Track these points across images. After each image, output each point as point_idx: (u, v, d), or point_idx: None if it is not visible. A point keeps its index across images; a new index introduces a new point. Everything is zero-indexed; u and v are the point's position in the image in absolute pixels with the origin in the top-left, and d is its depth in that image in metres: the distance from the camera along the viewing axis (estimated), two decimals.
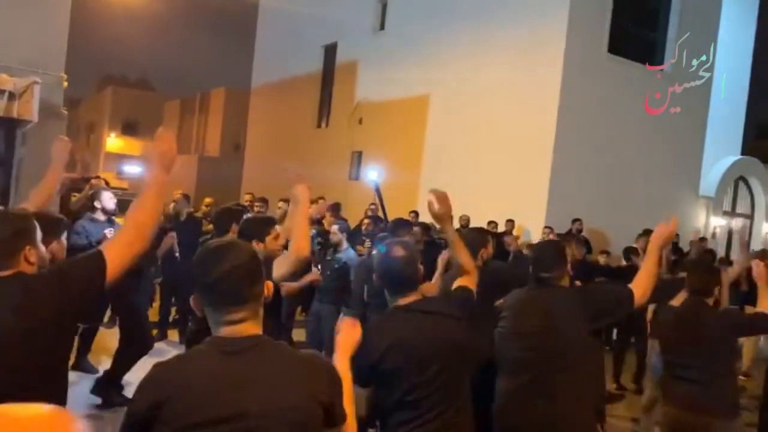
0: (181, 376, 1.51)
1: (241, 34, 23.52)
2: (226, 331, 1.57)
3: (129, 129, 44.30)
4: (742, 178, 14.19)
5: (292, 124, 18.93)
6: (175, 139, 2.26)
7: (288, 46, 19.41)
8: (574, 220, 10.51)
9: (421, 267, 2.35)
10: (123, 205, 4.39)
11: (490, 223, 10.27)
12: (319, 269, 5.88)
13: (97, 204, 5.33)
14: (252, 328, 1.60)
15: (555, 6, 10.93)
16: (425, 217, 9.32)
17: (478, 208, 10.54)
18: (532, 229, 10.96)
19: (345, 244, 6.03)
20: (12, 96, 3.91)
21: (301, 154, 17.88)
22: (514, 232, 10.66)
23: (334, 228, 6.21)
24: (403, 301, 2.29)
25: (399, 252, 2.30)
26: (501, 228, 10.56)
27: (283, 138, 19.29)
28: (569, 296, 2.97)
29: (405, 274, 2.30)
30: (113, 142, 44.24)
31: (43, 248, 2.16)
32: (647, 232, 10.43)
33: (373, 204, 10.40)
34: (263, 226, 3.15)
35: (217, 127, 28.24)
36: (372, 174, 10.25)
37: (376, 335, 2.18)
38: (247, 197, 8.50)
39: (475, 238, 3.69)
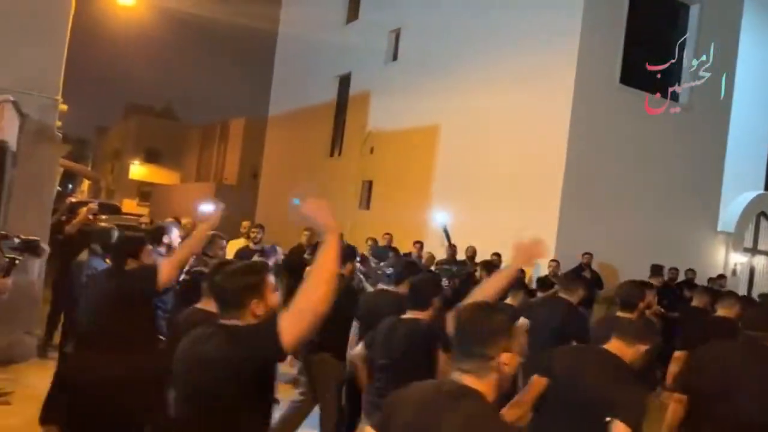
0: None
1: (262, 63, 23.89)
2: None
3: (152, 156, 45.10)
4: (764, 214, 13.69)
5: (306, 152, 18.99)
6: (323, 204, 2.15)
7: (304, 76, 19.62)
8: (584, 254, 10.18)
9: None
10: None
11: (494, 254, 9.98)
12: None
13: (165, 239, 5.24)
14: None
15: (565, 36, 10.81)
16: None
17: (485, 239, 10.28)
18: (540, 261, 10.63)
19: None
20: None
21: (314, 183, 17.88)
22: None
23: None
24: None
25: None
26: (505, 260, 10.25)
27: (297, 166, 19.34)
28: None
29: None
30: (137, 169, 44.97)
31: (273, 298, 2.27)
32: (656, 269, 10.06)
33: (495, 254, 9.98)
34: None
35: (236, 155, 28.54)
36: (440, 216, 10.26)
37: None
38: (245, 224, 8.39)
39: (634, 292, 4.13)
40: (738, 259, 12.95)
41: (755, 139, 13.76)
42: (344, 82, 17.78)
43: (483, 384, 1.70)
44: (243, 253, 7.09)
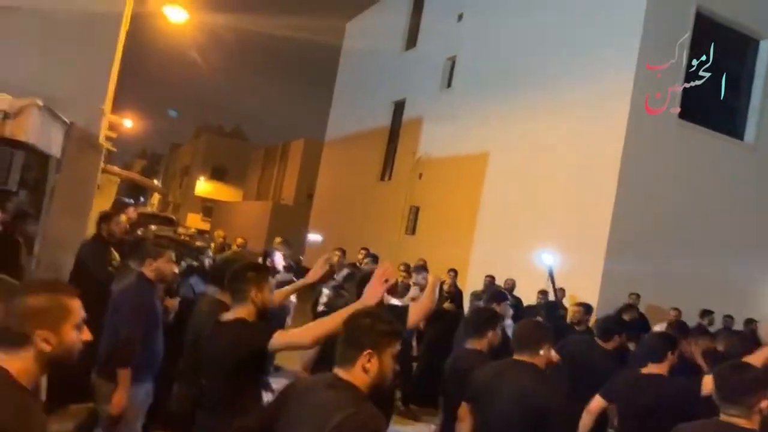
0: None
1: (325, 86, 24.53)
2: None
3: (218, 174, 46.82)
4: None
5: (358, 176, 19.16)
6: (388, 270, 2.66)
7: (361, 101, 19.91)
8: (631, 294, 9.62)
9: None
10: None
11: (541, 291, 9.56)
12: None
13: (269, 262, 5.39)
14: None
15: (621, 68, 10.43)
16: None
17: (531, 274, 9.94)
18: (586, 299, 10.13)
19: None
20: (7, 116, 4.05)
21: (364, 206, 17.98)
22: (566, 303, 9.89)
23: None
24: None
25: None
26: (550, 297, 9.83)
27: (349, 189, 19.53)
28: None
29: None
30: (202, 185, 46.75)
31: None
32: (706, 313, 9.39)
33: (542, 291, 9.85)
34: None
35: (294, 176, 29.17)
36: (547, 258, 9.98)
37: None
38: (278, 240, 8.46)
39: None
40: None
41: None
42: (399, 107, 17.89)
43: None
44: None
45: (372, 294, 2.46)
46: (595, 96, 10.75)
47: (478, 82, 14.19)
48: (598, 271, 9.97)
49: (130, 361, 3.36)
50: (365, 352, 1.96)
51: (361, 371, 1.96)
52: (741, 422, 2.43)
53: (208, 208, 42.51)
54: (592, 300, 9.56)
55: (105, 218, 5.54)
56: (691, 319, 8.37)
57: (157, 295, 3.77)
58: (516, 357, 3.13)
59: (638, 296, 9.63)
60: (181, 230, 19.05)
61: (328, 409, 1.89)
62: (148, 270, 3.63)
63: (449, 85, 15.58)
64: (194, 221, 40.57)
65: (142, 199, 52.66)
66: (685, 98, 10.76)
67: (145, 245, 3.96)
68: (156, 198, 59.54)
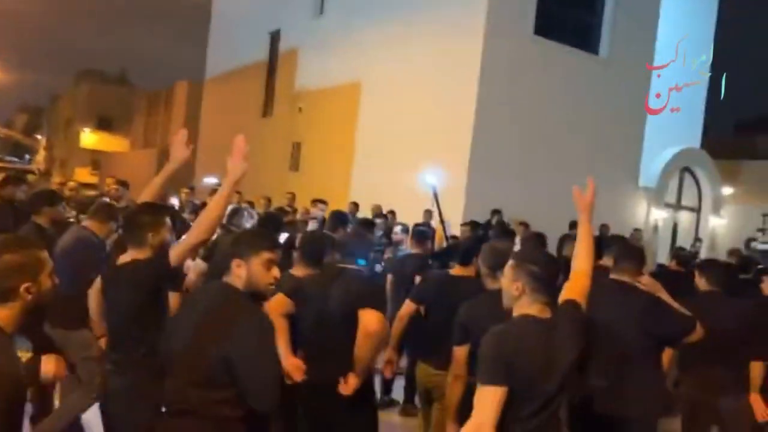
0: None
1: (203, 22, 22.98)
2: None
3: (104, 124, 43.74)
4: (688, 170, 13.65)
5: (240, 114, 18.39)
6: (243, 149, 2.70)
7: (237, 33, 18.88)
8: (494, 211, 9.95)
9: None
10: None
11: (426, 211, 9.61)
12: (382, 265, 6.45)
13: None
14: None
15: None
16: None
17: (411, 198, 9.99)
18: (452, 221, 10.41)
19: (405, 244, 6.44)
20: None
21: (248, 145, 17.36)
22: (434, 224, 10.11)
23: (396, 229, 7.25)
24: None
25: None
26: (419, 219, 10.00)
27: (232, 128, 18.66)
28: None
29: None
30: (88, 137, 43.62)
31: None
32: (575, 225, 9.88)
33: (427, 211, 9.70)
34: None
35: (180, 120, 27.64)
36: (430, 178, 9.72)
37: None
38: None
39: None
40: (660, 215, 12.93)
41: (683, 93, 13.59)
42: (275, 38, 17.12)
43: None
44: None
45: (234, 168, 2.63)
46: (452, 16, 10.70)
47: (349, 8, 13.74)
48: (461, 188, 10.21)
49: None
50: (235, 261, 2.27)
51: (236, 277, 2.28)
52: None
53: (96, 161, 39.96)
54: (457, 217, 9.86)
55: None
56: (561, 231, 8.66)
57: None
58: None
59: (500, 212, 9.97)
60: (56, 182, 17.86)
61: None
62: None
63: (322, 11, 15.00)
64: (83, 175, 37.98)
65: (27, 156, 48.55)
66: (540, 15, 10.95)
67: None
68: (41, 155, 55.02)
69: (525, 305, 2.17)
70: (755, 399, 3.65)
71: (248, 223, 7.98)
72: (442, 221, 9.57)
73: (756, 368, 3.63)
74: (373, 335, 2.88)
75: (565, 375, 2.10)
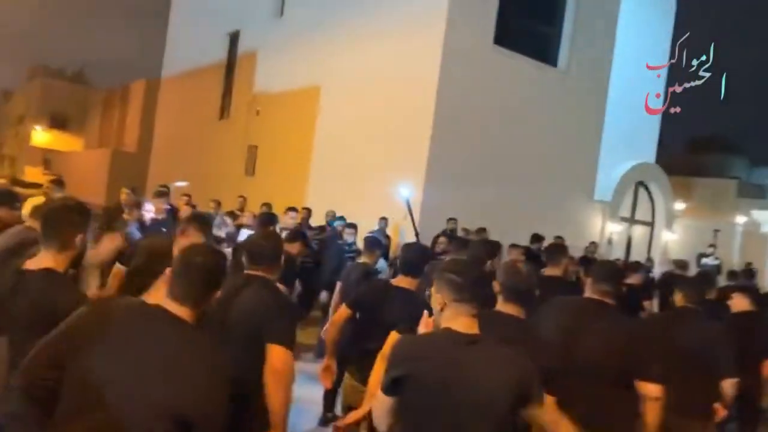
0: None
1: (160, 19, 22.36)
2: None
3: (58, 122, 42.26)
4: (643, 184, 13.81)
5: (196, 115, 17.90)
6: None
7: (196, 33, 18.40)
8: (449, 219, 9.80)
9: None
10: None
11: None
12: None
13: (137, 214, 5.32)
14: None
15: None
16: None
17: (368, 206, 9.74)
18: (406, 229, 10.22)
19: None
20: None
21: (204, 148, 16.90)
22: (389, 231, 9.89)
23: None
24: None
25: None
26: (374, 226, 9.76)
27: (188, 130, 18.24)
28: None
29: None
30: (40, 135, 42.06)
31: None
32: (537, 238, 9.80)
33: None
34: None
35: (136, 120, 26.86)
36: (404, 190, 9.51)
37: None
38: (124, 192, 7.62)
39: None
40: (614, 228, 13.02)
41: (636, 108, 13.74)
42: (234, 39, 16.74)
43: None
44: None
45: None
46: (412, 23, 10.57)
47: (308, 10, 13.48)
48: (418, 198, 10.02)
49: None
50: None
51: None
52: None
53: (48, 160, 38.51)
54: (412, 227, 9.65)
55: None
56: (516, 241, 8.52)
57: None
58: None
59: (456, 221, 9.83)
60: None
61: None
62: None
63: (282, 13, 14.71)
64: (34, 175, 36.53)
65: None
66: (501, 25, 10.90)
67: None
68: None
69: (449, 318, 1.93)
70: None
71: (222, 231, 7.70)
72: (416, 233, 9.40)
73: (727, 386, 3.58)
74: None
75: (488, 406, 1.78)
